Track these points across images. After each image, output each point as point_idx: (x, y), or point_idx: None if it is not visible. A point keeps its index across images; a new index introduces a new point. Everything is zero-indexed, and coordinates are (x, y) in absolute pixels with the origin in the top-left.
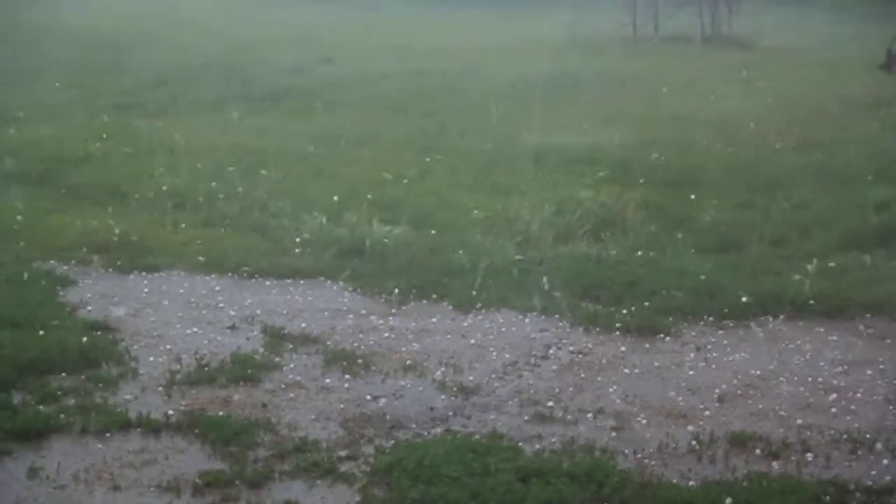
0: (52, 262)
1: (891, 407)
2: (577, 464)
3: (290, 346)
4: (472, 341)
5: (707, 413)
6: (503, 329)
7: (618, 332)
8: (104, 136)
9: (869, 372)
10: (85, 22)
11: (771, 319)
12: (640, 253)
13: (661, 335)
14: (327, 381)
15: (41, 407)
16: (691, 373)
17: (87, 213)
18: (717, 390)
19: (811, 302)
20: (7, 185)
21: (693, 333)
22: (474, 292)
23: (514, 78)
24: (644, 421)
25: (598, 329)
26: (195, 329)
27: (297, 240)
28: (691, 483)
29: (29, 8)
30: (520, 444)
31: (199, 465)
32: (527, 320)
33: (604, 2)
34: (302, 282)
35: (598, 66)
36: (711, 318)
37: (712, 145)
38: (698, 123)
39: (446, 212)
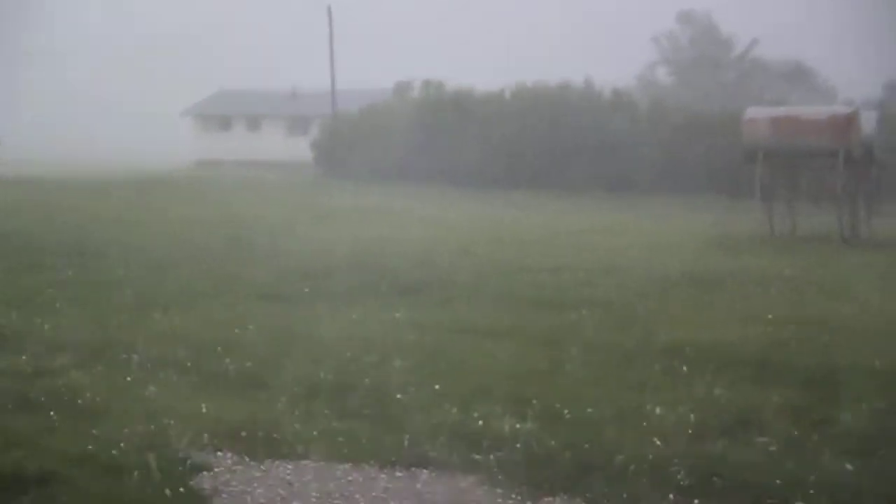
0: (187, 448)
1: None
2: None
3: None
4: None
5: None
6: None
7: None
8: (245, 325)
9: None
10: (224, 214)
11: None
12: (777, 455)
13: None
14: None
15: None
16: None
17: (224, 401)
18: None
19: None
20: (147, 371)
21: None
22: (607, 489)
23: (656, 275)
24: None
25: None
26: None
27: (428, 432)
28: None
29: (172, 199)
30: None
31: None
32: None
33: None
34: (433, 474)
35: (736, 265)
36: None
37: (856, 349)
38: (833, 326)
39: (578, 407)
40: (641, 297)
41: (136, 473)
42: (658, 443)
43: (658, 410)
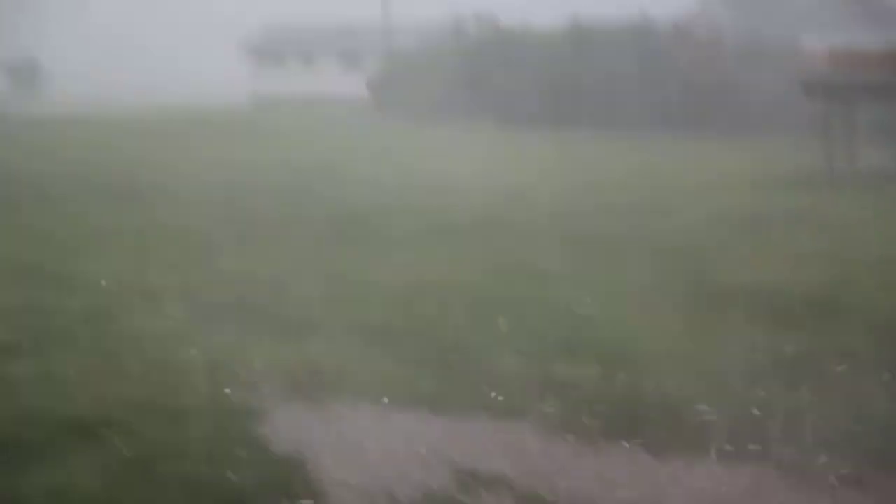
0: (244, 393)
1: None
2: None
3: (481, 487)
4: (667, 487)
5: None
6: (697, 476)
7: (829, 485)
8: (298, 268)
9: None
10: (276, 157)
11: None
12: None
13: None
14: None
15: None
16: None
17: (281, 345)
18: None
19: None
20: (207, 315)
21: None
22: (666, 437)
23: (712, 216)
24: None
25: (802, 482)
26: (386, 465)
27: (487, 380)
28: None
29: (229, 142)
30: None
31: None
32: (719, 470)
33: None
34: (490, 421)
35: (789, 204)
36: None
37: None
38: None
39: (636, 350)
40: (698, 239)
41: (195, 419)
42: (709, 386)
43: (707, 357)
